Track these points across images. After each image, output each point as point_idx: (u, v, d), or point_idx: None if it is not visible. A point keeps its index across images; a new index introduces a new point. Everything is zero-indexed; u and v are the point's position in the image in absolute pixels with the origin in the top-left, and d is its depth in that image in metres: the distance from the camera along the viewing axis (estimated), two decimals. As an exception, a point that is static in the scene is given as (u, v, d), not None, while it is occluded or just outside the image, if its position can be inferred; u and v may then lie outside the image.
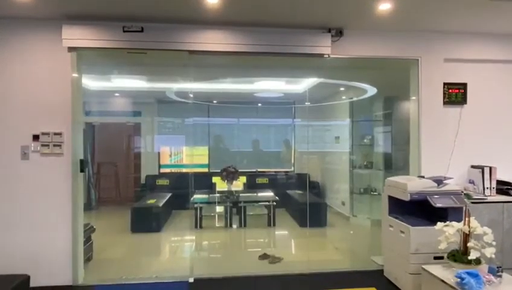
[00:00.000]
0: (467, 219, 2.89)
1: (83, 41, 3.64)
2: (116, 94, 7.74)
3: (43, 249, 3.68)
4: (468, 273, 2.55)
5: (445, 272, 2.82)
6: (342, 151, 7.27)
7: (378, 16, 3.64)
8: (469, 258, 2.77)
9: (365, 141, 6.83)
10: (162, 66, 5.15)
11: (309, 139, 8.55)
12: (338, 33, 3.96)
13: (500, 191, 3.98)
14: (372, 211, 6.38)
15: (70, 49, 3.68)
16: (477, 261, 2.80)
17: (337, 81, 6.54)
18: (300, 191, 7.44)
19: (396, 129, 6.13)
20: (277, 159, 8.96)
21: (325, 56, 3.94)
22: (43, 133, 3.68)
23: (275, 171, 8.68)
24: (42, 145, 3.68)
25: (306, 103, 8.51)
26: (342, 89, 7.21)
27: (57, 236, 3.70)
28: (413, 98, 4.30)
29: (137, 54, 3.99)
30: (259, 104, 8.64)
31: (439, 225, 2.99)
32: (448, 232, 2.86)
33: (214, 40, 3.80)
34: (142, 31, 3.67)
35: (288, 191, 7.49)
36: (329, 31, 3.94)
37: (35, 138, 3.68)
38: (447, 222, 2.98)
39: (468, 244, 2.82)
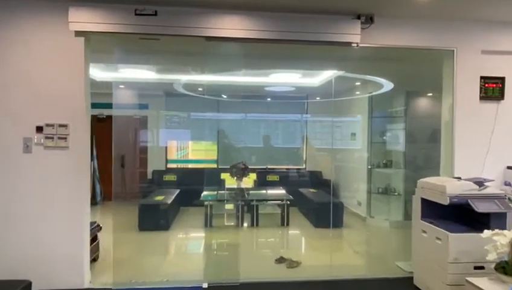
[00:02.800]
0: (519, 227, 2.58)
1: (92, 25, 3.33)
2: (121, 86, 7.41)
3: (46, 250, 3.40)
4: (526, 289, 2.26)
5: (495, 286, 2.53)
6: (358, 148, 6.94)
7: (413, 2, 3.32)
8: (524, 271, 2.47)
9: (384, 138, 6.49)
10: (174, 54, 4.83)
11: (322, 136, 8.22)
12: (368, 20, 3.62)
13: (541, 195, 3.67)
14: (391, 212, 6.07)
15: (78, 33, 3.39)
16: (533, 275, 2.50)
17: (357, 75, 6.18)
18: (313, 190, 7.13)
19: (419, 126, 5.80)
20: (288, 155, 8.65)
21: (353, 45, 3.62)
22: (47, 125, 3.39)
23: (286, 169, 8.37)
24: (46, 138, 3.39)
25: (317, 98, 8.21)
26: (357, 83, 6.86)
27: (61, 236, 3.42)
28: (446, 92, 3.98)
29: (148, 41, 3.70)
30: (269, 99, 8.31)
31: (487, 233, 2.69)
32: (499, 242, 2.55)
33: (232, 26, 3.49)
34: (155, 14, 3.37)
35: (301, 189, 7.18)
36: (358, 17, 3.60)
37: (39, 129, 3.38)
38: (496, 230, 2.68)
39: (522, 256, 2.52)
